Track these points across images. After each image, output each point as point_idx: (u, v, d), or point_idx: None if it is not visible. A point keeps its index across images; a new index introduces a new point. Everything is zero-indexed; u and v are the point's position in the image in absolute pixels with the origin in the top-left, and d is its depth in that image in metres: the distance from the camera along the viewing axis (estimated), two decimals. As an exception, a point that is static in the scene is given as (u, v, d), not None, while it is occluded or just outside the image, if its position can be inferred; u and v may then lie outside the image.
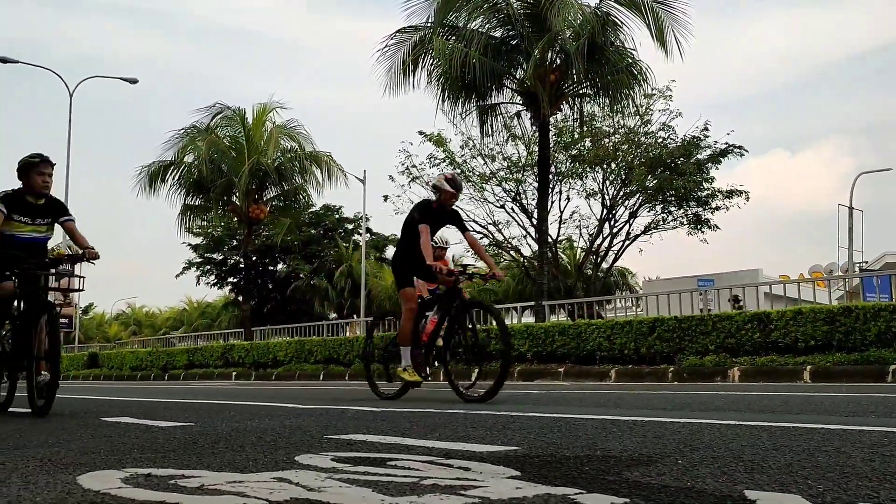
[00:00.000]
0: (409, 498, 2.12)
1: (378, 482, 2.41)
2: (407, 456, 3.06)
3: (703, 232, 25.82)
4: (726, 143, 25.09)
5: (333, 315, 46.04)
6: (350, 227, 51.52)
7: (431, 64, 20.16)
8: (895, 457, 2.85)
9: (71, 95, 35.18)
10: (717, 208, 25.40)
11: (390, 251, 53.45)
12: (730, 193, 25.22)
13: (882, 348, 10.60)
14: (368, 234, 45.15)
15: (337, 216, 51.15)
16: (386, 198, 27.44)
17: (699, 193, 25.30)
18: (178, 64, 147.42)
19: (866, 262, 37.06)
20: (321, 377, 18.89)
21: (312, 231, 50.10)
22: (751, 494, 2.11)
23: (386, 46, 20.38)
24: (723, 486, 2.27)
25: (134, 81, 36.92)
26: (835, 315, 11.25)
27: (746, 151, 25.09)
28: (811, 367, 10.62)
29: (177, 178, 30.35)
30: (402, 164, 26.61)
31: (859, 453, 2.96)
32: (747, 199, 25.29)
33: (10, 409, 7.61)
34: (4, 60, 34.03)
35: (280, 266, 50.25)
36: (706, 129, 25.05)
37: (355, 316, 39.14)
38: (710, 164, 25.26)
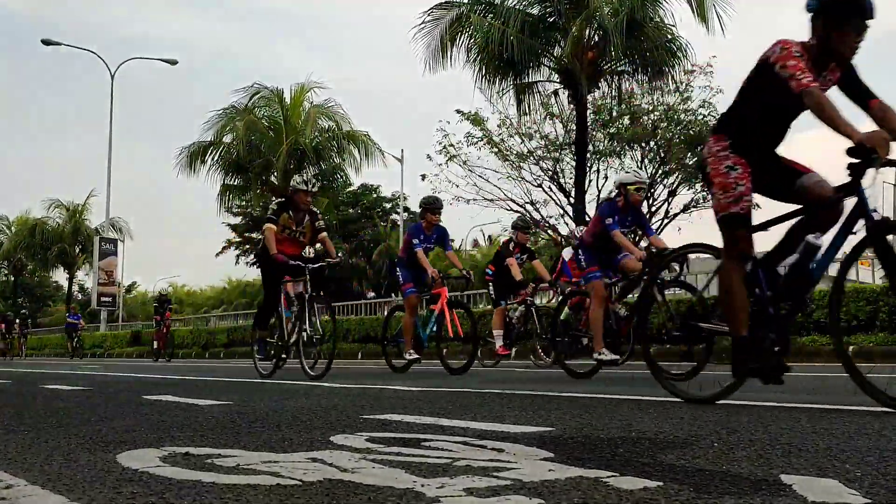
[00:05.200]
0: (441, 479, 2.13)
1: (411, 463, 2.42)
2: (441, 437, 3.06)
3: (743, 210, 25.45)
4: (768, 120, 24.68)
5: (371, 294, 46.26)
6: (388, 206, 51.61)
7: (469, 41, 20.07)
8: (937, 440, 2.80)
9: (112, 77, 35.58)
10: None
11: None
12: (771, 171, 24.84)
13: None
14: (406, 214, 45.20)
15: (375, 195, 51.30)
16: (424, 177, 27.37)
17: (740, 171, 24.93)
18: (217, 44, 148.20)
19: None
20: (359, 356, 19.03)
21: (350, 210, 50.32)
22: (787, 479, 2.09)
23: (423, 23, 20.35)
24: (759, 469, 2.25)
25: (174, 62, 37.22)
26: (878, 295, 11.06)
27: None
28: (853, 348, 10.47)
29: (216, 158, 30.61)
30: (440, 143, 26.51)
31: (900, 437, 2.91)
32: (789, 176, 24.90)
33: (54, 386, 7.79)
34: (47, 43, 34.48)
35: (318, 246, 50.47)
36: (748, 105, 24.65)
37: (393, 295, 39.27)
38: (751, 141, 24.87)
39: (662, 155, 25.50)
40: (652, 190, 26.25)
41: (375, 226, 49.68)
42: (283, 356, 9.51)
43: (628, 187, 8.04)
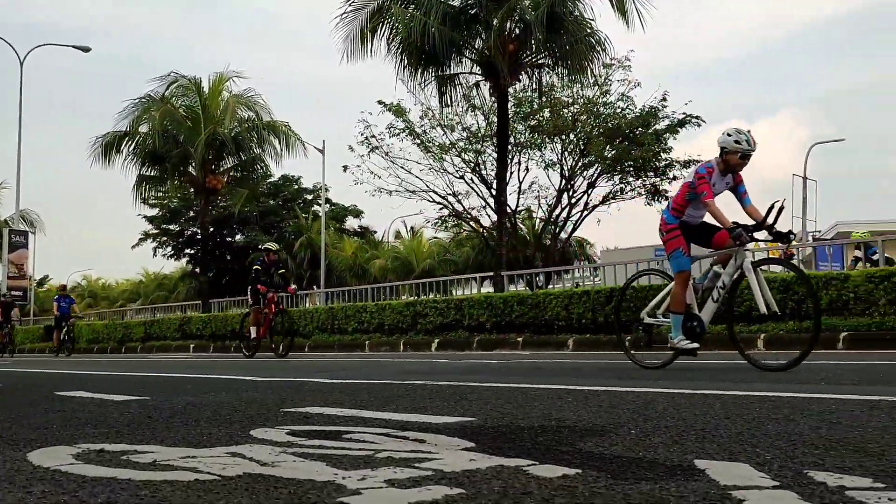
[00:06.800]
0: (362, 472, 2.12)
1: (332, 456, 2.41)
2: (363, 428, 3.06)
3: (660, 202, 26.01)
4: (684, 114, 25.25)
5: (293, 287, 45.88)
6: (309, 197, 51.20)
7: (390, 32, 20.01)
8: (842, 423, 2.91)
9: (21, 64, 34.43)
10: (675, 178, 25.61)
11: (350, 222, 53.21)
12: (687, 163, 25.42)
13: (833, 316, 10.79)
14: (328, 205, 44.90)
15: (296, 187, 50.83)
16: (346, 168, 27.26)
17: (657, 164, 25.47)
18: (133, 32, 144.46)
19: (819, 231, 37.64)
20: (280, 349, 18.83)
21: (271, 202, 49.76)
22: (700, 464, 2.14)
23: (344, 13, 20.19)
24: (674, 455, 2.31)
25: (87, 49, 36.18)
26: (788, 284, 11.40)
27: (704, 121, 25.28)
28: (765, 336, 10.80)
29: (132, 148, 29.87)
30: (362, 135, 26.42)
31: (808, 421, 3.01)
32: (704, 168, 25.50)
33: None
34: (-49, 27, 33.14)
35: (238, 237, 49.86)
36: (664, 99, 25.18)
37: (315, 287, 38.99)
38: (668, 134, 25.42)
39: (582, 147, 25.88)
40: (572, 182, 26.65)
41: (297, 217, 49.21)
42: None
43: None
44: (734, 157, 6.52)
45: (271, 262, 15.71)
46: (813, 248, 22.07)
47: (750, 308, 9.61)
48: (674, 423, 3.05)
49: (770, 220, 6.43)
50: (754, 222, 6.54)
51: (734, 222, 6.47)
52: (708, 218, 6.82)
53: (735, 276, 6.56)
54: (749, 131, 6.51)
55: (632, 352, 7.55)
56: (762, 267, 6.63)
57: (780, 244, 6.84)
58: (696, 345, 6.79)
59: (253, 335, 15.05)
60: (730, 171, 6.63)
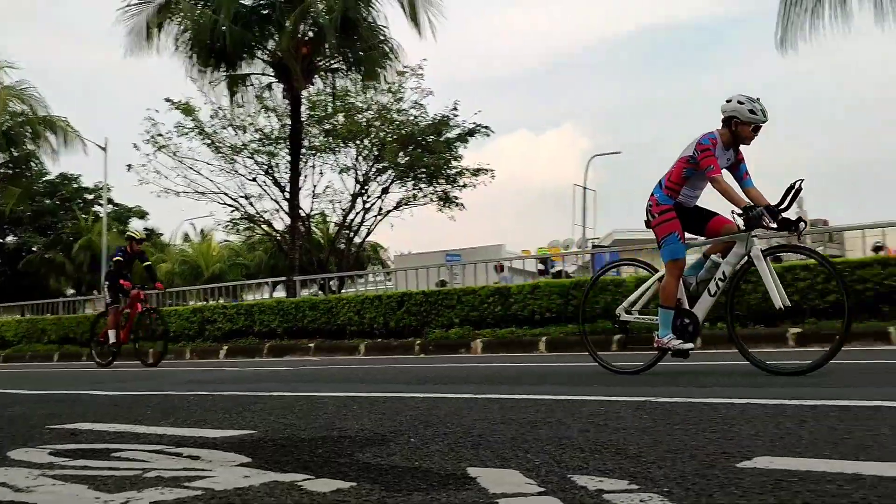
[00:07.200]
0: (127, 494, 2.02)
1: (97, 477, 2.28)
2: (135, 445, 2.92)
3: (450, 209, 26.62)
4: (474, 123, 25.97)
5: (71, 291, 43.27)
6: (90, 197, 48.51)
7: (178, 29, 19.34)
8: (608, 426, 3.07)
9: None
10: (465, 186, 26.28)
11: (135, 224, 50.87)
12: (476, 171, 26.17)
13: (608, 320, 11.40)
14: (110, 206, 42.69)
15: (75, 185, 48.03)
16: (130, 167, 25.99)
17: (448, 171, 26.03)
18: None
19: (598, 238, 39.90)
20: (55, 358, 17.71)
21: (47, 201, 46.75)
22: (473, 472, 2.19)
23: (128, 6, 19.31)
24: (449, 464, 2.35)
25: None
26: (567, 289, 11.98)
27: (493, 131, 26.13)
28: (546, 338, 11.27)
29: None
30: (148, 133, 25.30)
31: (577, 424, 3.16)
32: (493, 177, 26.36)
33: None
34: None
35: (10, 238, 46.50)
36: (455, 108, 25.77)
37: (95, 292, 36.95)
38: (458, 142, 26.05)
39: (376, 153, 26.06)
40: (366, 187, 26.77)
41: (75, 218, 46.48)
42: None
43: None
44: (746, 129, 5.61)
45: (135, 253, 13.17)
46: (592, 254, 23.30)
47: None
48: (453, 429, 3.11)
49: (784, 204, 5.46)
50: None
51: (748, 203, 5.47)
52: (702, 201, 5.96)
53: (739, 266, 5.65)
54: (759, 99, 5.63)
55: (598, 353, 6.61)
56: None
57: (786, 233, 5.88)
58: (690, 345, 5.83)
59: (111, 340, 12.68)
60: (732, 146, 5.73)
